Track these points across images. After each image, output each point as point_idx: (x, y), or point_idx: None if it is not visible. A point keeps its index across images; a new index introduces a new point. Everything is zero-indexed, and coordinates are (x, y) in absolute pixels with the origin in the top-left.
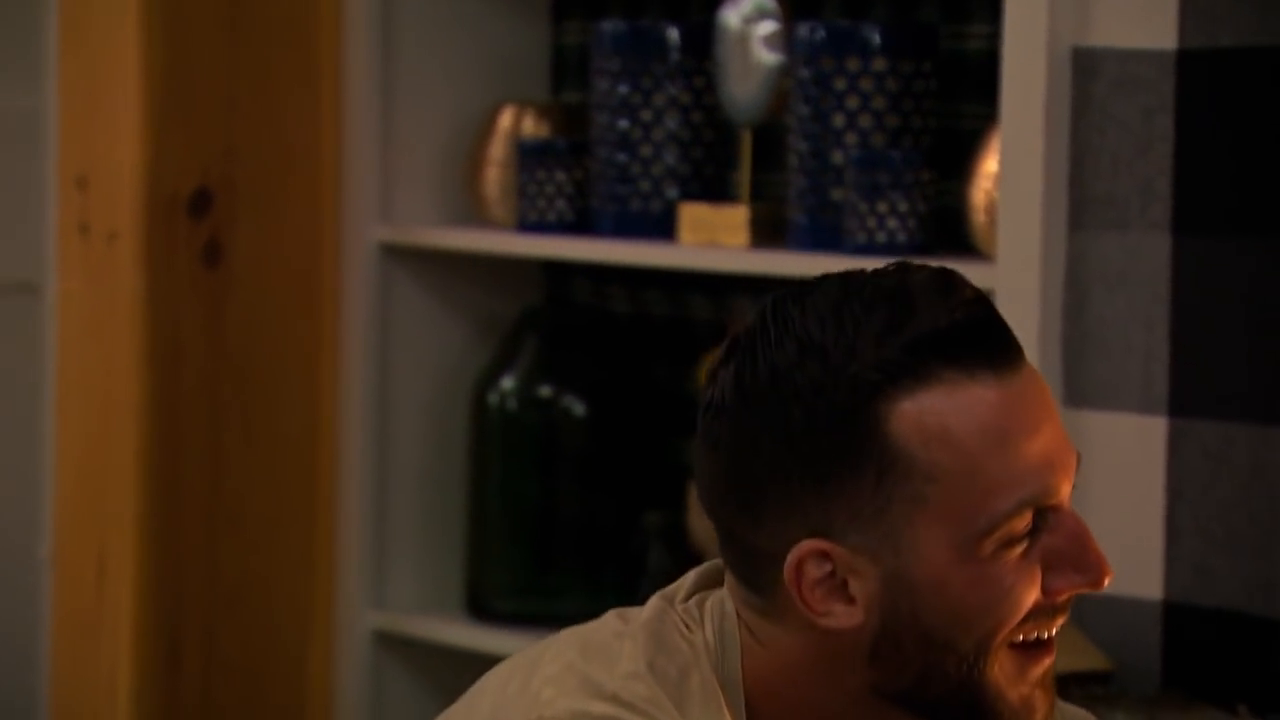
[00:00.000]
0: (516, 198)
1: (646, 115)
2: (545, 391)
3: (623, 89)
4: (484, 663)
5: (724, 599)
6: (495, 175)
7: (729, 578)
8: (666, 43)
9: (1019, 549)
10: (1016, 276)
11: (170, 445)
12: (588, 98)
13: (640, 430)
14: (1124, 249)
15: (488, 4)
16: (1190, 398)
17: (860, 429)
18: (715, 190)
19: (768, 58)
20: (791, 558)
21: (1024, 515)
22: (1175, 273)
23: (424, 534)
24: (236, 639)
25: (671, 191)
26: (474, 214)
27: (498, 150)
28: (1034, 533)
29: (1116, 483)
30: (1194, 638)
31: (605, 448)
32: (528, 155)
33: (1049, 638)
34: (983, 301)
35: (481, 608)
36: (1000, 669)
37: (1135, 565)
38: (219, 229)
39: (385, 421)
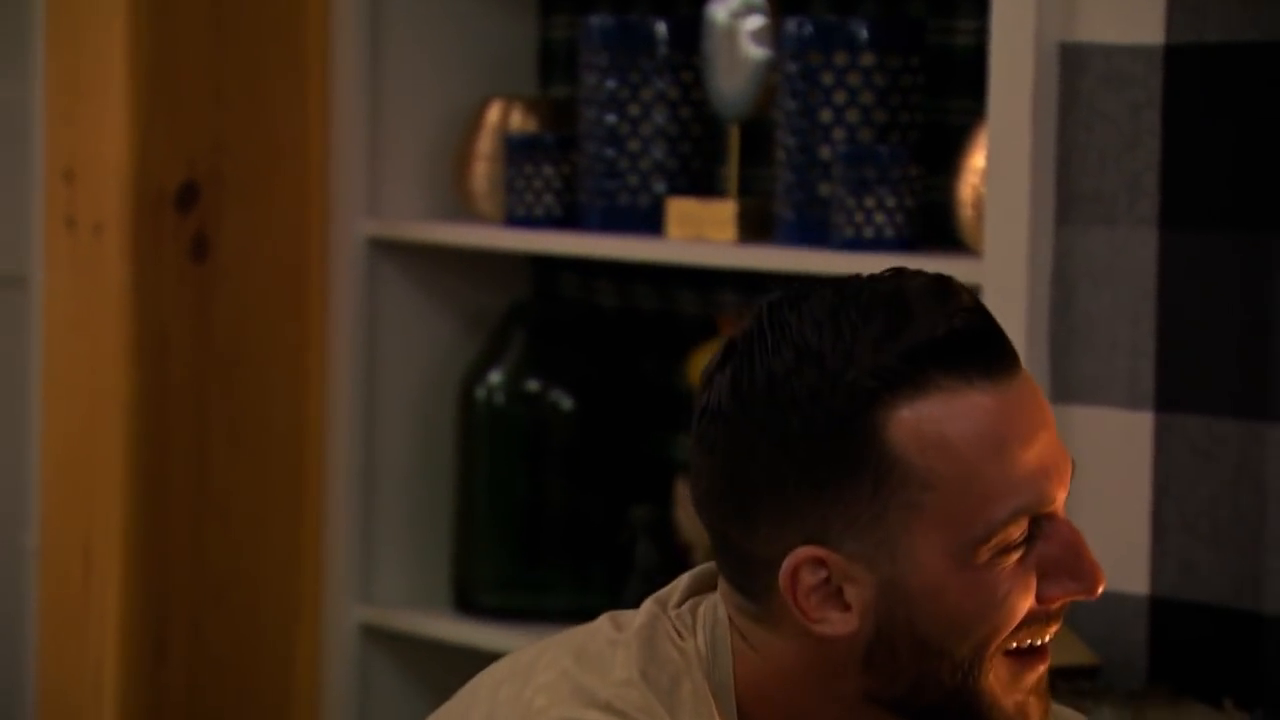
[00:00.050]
0: (504, 192)
1: (634, 110)
2: (533, 386)
3: (610, 84)
4: (471, 657)
5: (717, 604)
6: (483, 170)
7: (722, 583)
8: (654, 37)
9: (1014, 556)
10: (1003, 272)
11: (157, 438)
12: (575, 92)
13: (628, 425)
14: (1111, 244)
15: None
16: (1177, 393)
17: (857, 436)
18: (703, 185)
19: (755, 52)
20: (787, 564)
21: (1020, 523)
22: (1162, 268)
23: (411, 528)
24: (223, 631)
25: (659, 186)
26: (462, 208)
27: (485, 145)
28: (1029, 540)
29: (1103, 478)
30: (1180, 632)
31: (593, 442)
32: (515, 150)
33: (1043, 645)
34: (979, 309)
35: (469, 602)
36: (995, 676)
37: (1122, 560)
38: (206, 223)
39: (372, 415)
